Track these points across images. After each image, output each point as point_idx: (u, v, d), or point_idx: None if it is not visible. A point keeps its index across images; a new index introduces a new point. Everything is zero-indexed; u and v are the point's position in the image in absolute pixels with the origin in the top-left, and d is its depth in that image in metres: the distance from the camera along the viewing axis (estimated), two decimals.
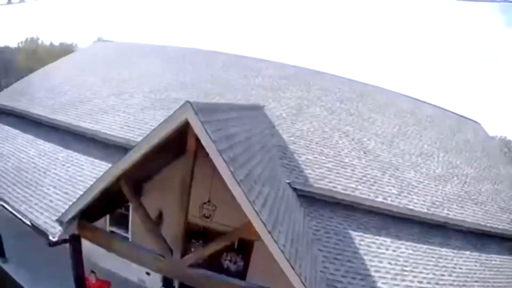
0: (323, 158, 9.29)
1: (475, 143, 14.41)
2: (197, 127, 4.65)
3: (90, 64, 15.28)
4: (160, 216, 8.57)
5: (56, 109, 11.23)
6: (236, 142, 5.57)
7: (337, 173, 8.95)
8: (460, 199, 9.92)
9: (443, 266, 7.81)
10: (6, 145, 10.19)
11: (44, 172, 8.72)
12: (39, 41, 49.56)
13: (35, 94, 12.49)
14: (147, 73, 13.58)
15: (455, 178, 10.86)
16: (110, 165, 8.38)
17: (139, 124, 9.89)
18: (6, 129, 11.22)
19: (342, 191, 8.49)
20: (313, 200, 8.35)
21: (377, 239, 7.96)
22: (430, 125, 13.84)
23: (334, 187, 8.50)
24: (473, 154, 13.20)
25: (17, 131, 10.98)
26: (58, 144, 9.98)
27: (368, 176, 9.29)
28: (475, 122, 18.32)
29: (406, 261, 7.58)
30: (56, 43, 56.24)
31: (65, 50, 47.55)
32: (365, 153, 10.16)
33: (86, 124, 10.18)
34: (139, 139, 8.71)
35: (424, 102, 17.16)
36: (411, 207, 8.85)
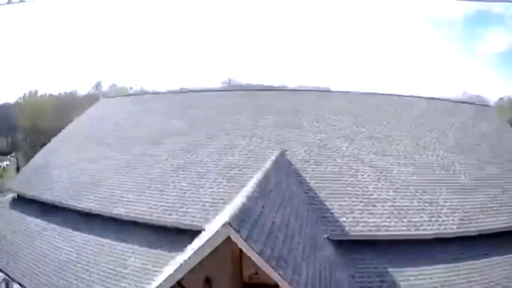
0: (353, 199, 9.85)
1: (494, 137, 14.53)
2: (241, 244, 5.20)
3: (100, 130, 15.89)
4: (208, 282, 9.20)
5: (79, 192, 11.79)
6: (276, 236, 6.15)
7: (369, 213, 9.52)
8: (489, 207, 10.38)
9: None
10: (36, 242, 10.82)
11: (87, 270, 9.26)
12: (38, 95, 50.87)
13: (51, 177, 13.26)
14: (159, 130, 14.19)
15: (483, 184, 11.27)
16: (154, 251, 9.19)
17: (172, 199, 10.42)
18: (30, 221, 11.92)
19: (376, 233, 9.08)
20: (351, 245, 8.95)
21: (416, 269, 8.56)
22: (445, 127, 14.17)
23: (369, 230, 9.09)
24: (493, 151, 13.49)
25: (44, 223, 11.58)
26: (91, 232, 10.43)
27: (398, 207, 9.83)
28: (487, 106, 18.55)
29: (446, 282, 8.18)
30: (55, 92, 57.80)
31: (66, 100, 48.41)
32: (391, 182, 10.67)
33: (118, 209, 10.57)
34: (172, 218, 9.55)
35: (433, 98, 17.52)
36: (441, 230, 9.39)
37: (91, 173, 12.62)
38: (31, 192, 13.07)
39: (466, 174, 11.61)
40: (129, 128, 15.00)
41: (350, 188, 10.24)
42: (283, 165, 10.30)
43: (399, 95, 17.19)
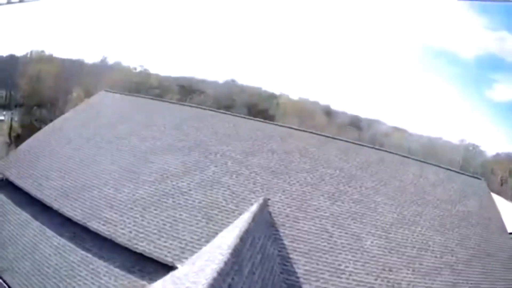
0: (322, 267, 10.15)
1: (476, 214, 14.92)
2: None
3: (93, 129, 16.26)
4: None
5: (67, 193, 12.27)
6: None
7: (333, 284, 9.83)
8: None
9: None
10: (18, 236, 11.35)
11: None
12: (46, 54, 50.98)
13: (42, 170, 13.74)
14: (152, 144, 14.52)
15: (447, 268, 11.61)
16: (128, 275, 9.56)
17: (152, 228, 10.77)
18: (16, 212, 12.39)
19: None
20: None
21: None
22: (431, 201, 14.45)
23: None
24: (470, 230, 13.86)
25: (28, 217, 12.09)
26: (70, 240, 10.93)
27: (361, 283, 10.14)
28: (478, 179, 18.79)
29: None
30: (60, 55, 57.81)
31: (71, 65, 48.54)
32: (362, 253, 10.96)
33: (99, 225, 10.88)
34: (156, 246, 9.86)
35: (427, 163, 17.79)
36: None
37: (79, 176, 13.09)
38: (19, 181, 13.47)
39: (437, 256, 11.93)
40: (123, 134, 15.38)
41: (320, 254, 10.53)
42: (262, 219, 10.57)
43: (393, 153, 17.50)
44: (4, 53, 59.77)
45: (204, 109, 18.04)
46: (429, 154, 62.78)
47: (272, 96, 68.62)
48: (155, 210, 11.05)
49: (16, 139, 38.96)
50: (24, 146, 16.15)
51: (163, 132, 15.35)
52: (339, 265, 10.42)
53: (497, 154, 60.25)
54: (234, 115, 17.45)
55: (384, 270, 10.73)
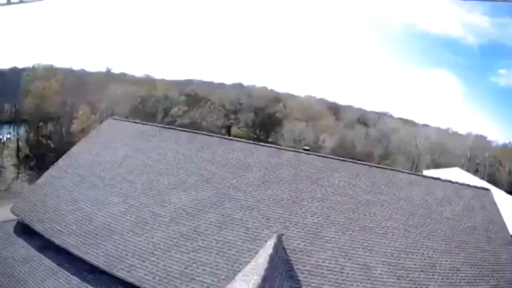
0: None
1: (482, 229, 15.39)
2: None
3: (104, 164, 16.71)
4: None
5: (88, 239, 12.82)
6: None
7: None
8: None
9: None
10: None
11: None
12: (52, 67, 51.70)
13: (59, 212, 14.20)
14: (166, 181, 15.04)
15: None
16: None
17: (174, 272, 11.42)
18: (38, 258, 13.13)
19: None
20: None
21: None
22: (438, 220, 14.93)
23: None
24: (476, 247, 14.34)
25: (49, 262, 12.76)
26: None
27: None
28: (487, 190, 19.11)
29: None
30: (63, 65, 58.60)
31: (75, 78, 49.08)
32: (372, 283, 11.59)
33: (121, 271, 11.45)
34: None
35: (434, 178, 18.25)
36: None
37: (96, 219, 13.72)
38: (37, 225, 14.12)
39: (443, 278, 12.49)
40: (135, 170, 15.97)
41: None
42: (278, 257, 11.22)
43: (401, 171, 18.00)
44: (7, 65, 60.80)
45: (212, 136, 18.60)
46: (437, 147, 63.13)
47: (278, 98, 69.27)
48: (175, 253, 11.75)
49: (25, 160, 39.54)
50: (38, 184, 16.72)
51: (175, 166, 15.93)
52: None
53: (505, 144, 60.26)
54: (243, 142, 17.98)
55: None
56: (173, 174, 15.42)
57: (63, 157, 17.99)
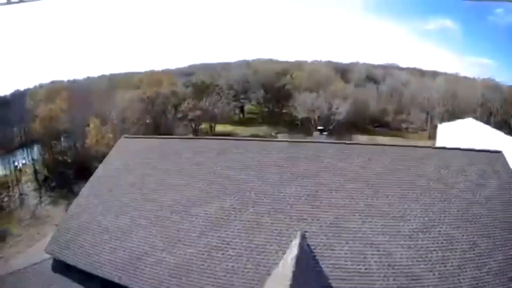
0: None
1: (497, 197, 15.78)
2: None
3: (125, 187, 17.26)
4: None
5: (126, 265, 13.63)
6: None
7: None
8: None
9: None
10: None
11: None
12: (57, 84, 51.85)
13: (92, 243, 14.82)
14: (186, 195, 15.65)
15: (470, 263, 12.91)
16: None
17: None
18: None
19: None
20: None
21: None
22: (453, 193, 15.37)
23: None
24: (492, 217, 14.89)
25: None
26: None
27: None
28: (498, 152, 19.23)
29: None
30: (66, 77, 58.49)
31: (80, 89, 48.96)
32: (393, 268, 12.37)
33: None
34: None
35: (447, 149, 18.64)
36: None
37: (129, 244, 14.52)
38: (73, 259, 14.92)
39: (460, 254, 13.06)
40: (157, 188, 16.61)
41: (358, 278, 12.13)
42: (304, 255, 12.13)
43: (414, 146, 18.42)
44: (9, 90, 60.86)
45: (227, 139, 19.28)
46: (449, 97, 62.15)
47: (285, 70, 68.62)
48: (209, 266, 12.74)
49: (44, 183, 40.39)
50: (66, 219, 17.39)
51: (194, 177, 16.61)
52: (374, 284, 11.98)
53: None
54: (256, 140, 18.64)
55: (412, 280, 12.22)
56: (194, 186, 16.11)
57: (86, 185, 18.70)
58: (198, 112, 48.14)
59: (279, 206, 14.48)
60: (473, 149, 19.80)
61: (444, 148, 18.95)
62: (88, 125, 38.14)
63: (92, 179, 18.85)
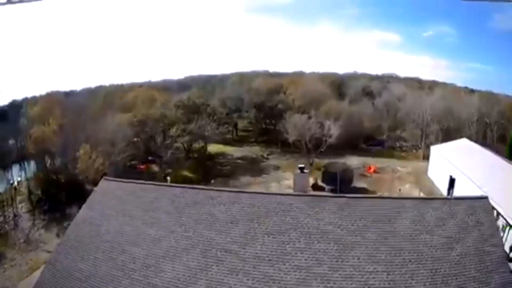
0: None
1: (475, 253, 15.09)
2: None
3: (107, 234, 17.07)
4: None
5: None
6: None
7: None
8: None
9: None
10: None
11: None
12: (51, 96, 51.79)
13: None
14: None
15: None
16: None
17: None
18: None
19: None
20: None
21: None
22: (427, 252, 14.67)
23: None
24: (467, 277, 14.27)
25: None
26: None
27: None
28: (484, 198, 18.39)
29: None
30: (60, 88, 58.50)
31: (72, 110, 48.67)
32: None
33: None
34: None
35: (426, 199, 18.14)
36: None
37: None
38: None
39: None
40: (130, 239, 16.42)
41: None
42: None
43: (392, 198, 17.82)
44: (6, 100, 60.75)
45: (203, 189, 18.97)
46: (444, 114, 61.18)
47: (279, 85, 68.00)
48: None
49: (38, 204, 40.06)
50: (48, 265, 17.13)
51: (167, 229, 16.42)
52: None
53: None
54: (227, 191, 18.27)
55: None
56: (167, 239, 15.97)
57: (69, 228, 18.65)
58: (187, 137, 48.12)
59: (241, 265, 14.22)
60: (457, 197, 19.15)
61: (423, 198, 18.27)
62: (79, 151, 37.86)
63: (74, 222, 18.73)
